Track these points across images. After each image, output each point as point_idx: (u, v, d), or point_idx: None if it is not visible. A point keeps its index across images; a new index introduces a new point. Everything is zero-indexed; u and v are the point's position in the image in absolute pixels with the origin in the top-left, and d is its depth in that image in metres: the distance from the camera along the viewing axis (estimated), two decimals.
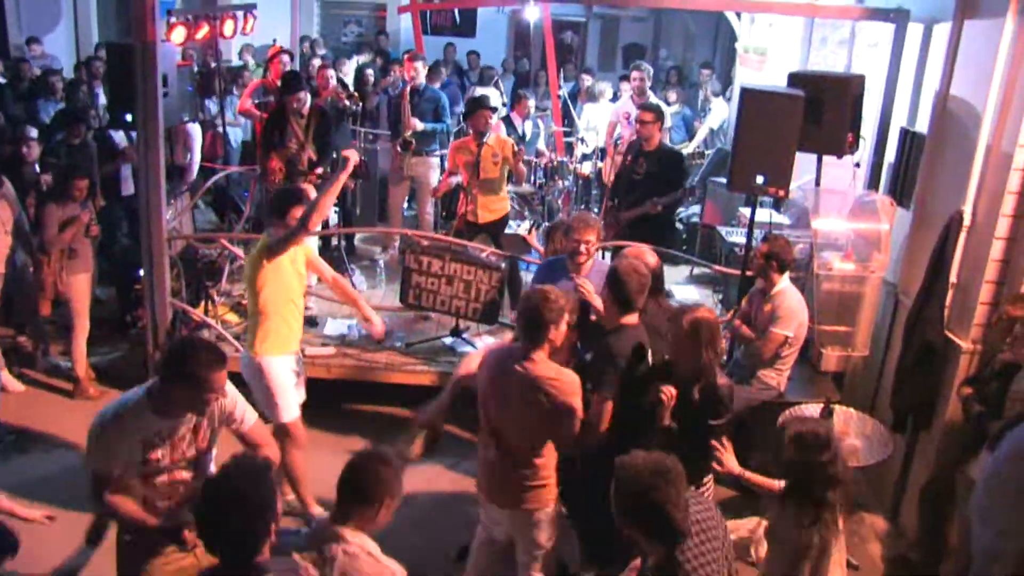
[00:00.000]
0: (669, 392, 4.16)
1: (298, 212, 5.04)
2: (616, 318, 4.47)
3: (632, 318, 4.47)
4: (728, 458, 4.25)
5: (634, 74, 9.56)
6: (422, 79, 9.08)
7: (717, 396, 4.21)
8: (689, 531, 3.06)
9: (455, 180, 8.06)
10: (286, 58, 9.43)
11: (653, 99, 9.61)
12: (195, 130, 9.38)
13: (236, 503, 2.78)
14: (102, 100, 10.28)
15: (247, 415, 3.88)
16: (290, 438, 5.38)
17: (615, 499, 3.08)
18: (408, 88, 8.92)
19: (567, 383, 4.05)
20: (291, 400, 5.38)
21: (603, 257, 7.54)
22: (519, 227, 7.97)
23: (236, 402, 3.82)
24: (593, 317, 4.99)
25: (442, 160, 9.40)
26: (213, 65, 10.07)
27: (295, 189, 5.81)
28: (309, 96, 7.85)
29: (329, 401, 6.53)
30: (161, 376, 3.59)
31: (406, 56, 9.52)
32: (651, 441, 3.79)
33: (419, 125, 8.85)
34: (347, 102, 9.19)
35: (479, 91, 10.46)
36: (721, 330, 4.58)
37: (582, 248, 5.34)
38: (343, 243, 8.97)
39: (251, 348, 5.28)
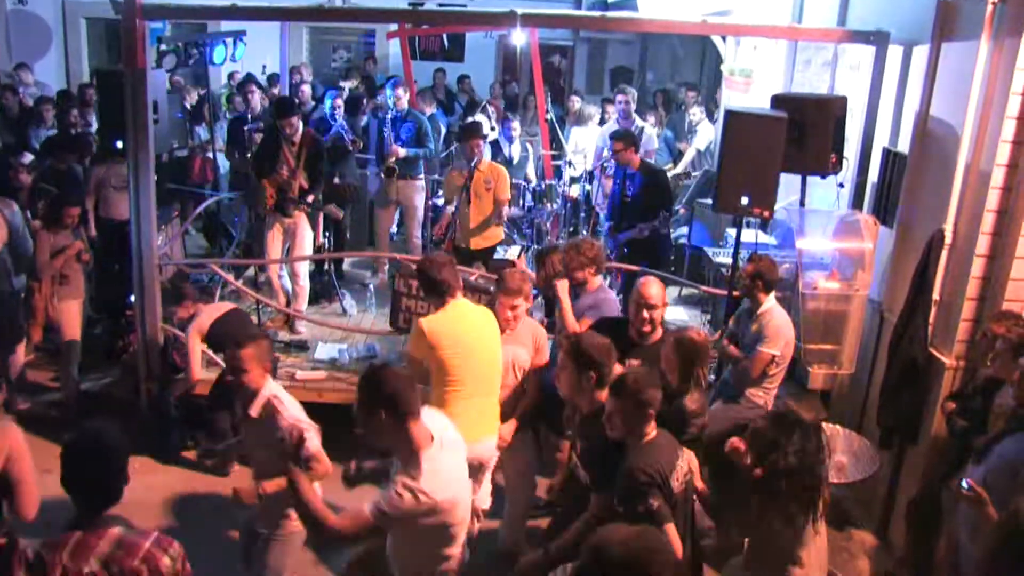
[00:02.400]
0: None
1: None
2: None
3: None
4: None
5: (619, 97, 9.68)
6: (404, 104, 9.16)
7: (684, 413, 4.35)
8: None
9: (451, 209, 8.13)
10: (252, 88, 9.51)
11: (639, 122, 9.72)
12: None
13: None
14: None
15: None
16: None
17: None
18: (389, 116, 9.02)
19: None
20: None
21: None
22: (507, 252, 8.01)
23: None
24: None
25: (428, 184, 9.49)
26: (204, 92, 10.15)
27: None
28: (300, 123, 7.91)
29: (320, 425, 6.53)
30: None
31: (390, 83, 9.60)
32: None
33: (402, 152, 8.92)
34: (350, 147, 9.26)
35: (469, 118, 10.56)
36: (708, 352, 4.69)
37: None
38: (332, 267, 9.02)
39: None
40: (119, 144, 7.17)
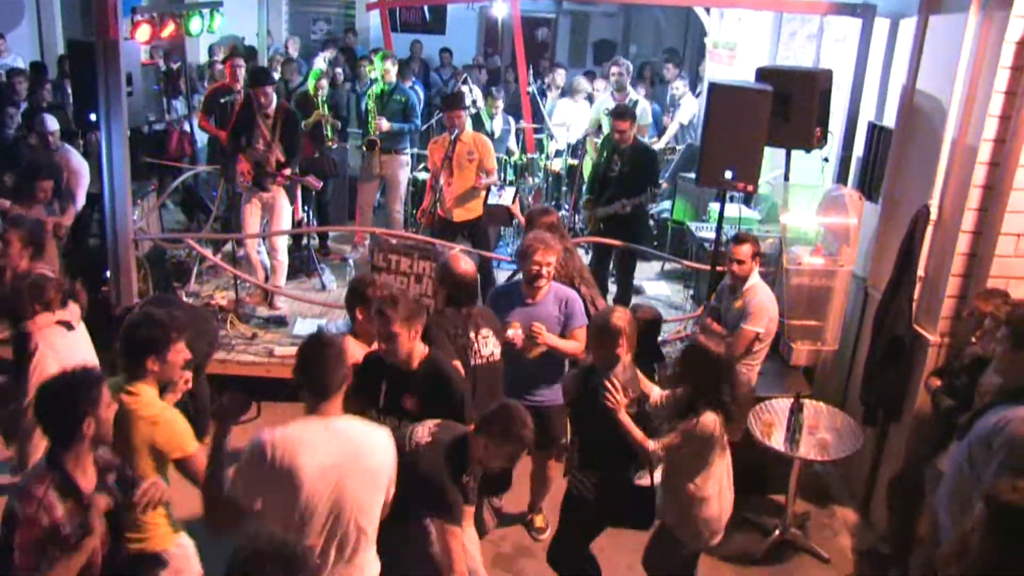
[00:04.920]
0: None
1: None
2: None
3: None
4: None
5: (613, 69, 9.61)
6: (392, 78, 9.02)
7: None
8: None
9: (433, 182, 8.00)
10: (240, 61, 9.31)
11: (633, 95, 9.62)
12: (82, 166, 7.70)
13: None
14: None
15: None
16: None
17: None
18: (375, 88, 8.86)
19: None
20: None
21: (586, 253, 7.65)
22: (501, 196, 7.84)
23: None
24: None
25: (412, 158, 9.37)
26: (177, 64, 9.97)
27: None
28: (275, 95, 7.77)
29: (298, 401, 6.47)
30: None
31: (371, 54, 9.45)
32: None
33: (385, 125, 8.77)
34: (328, 133, 9.10)
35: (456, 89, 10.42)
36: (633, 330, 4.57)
37: (544, 272, 5.06)
38: (314, 242, 8.91)
39: None
40: (92, 117, 7.03)
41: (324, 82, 9.61)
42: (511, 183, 9.23)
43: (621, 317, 4.46)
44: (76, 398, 3.13)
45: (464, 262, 4.89)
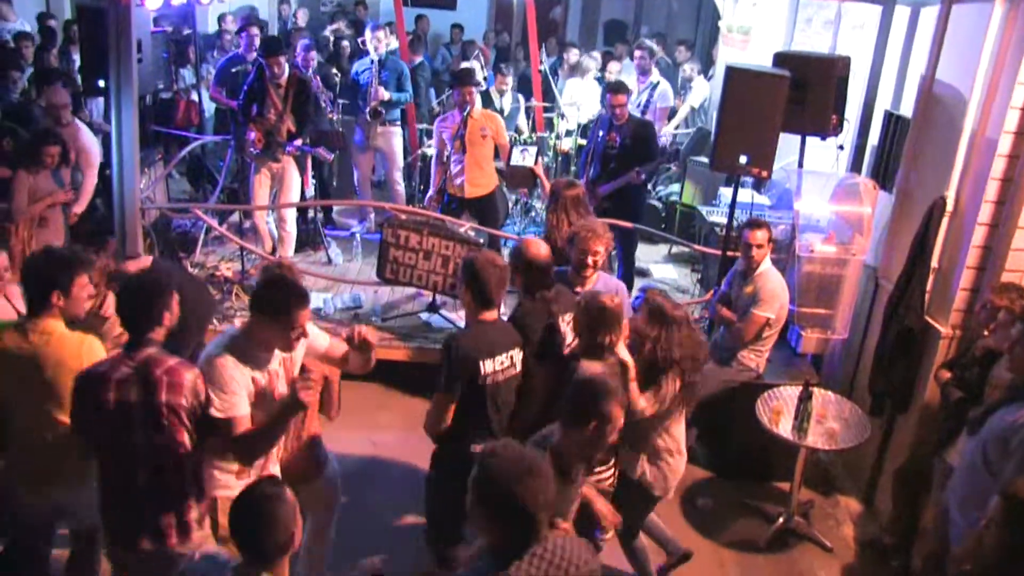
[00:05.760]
0: None
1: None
2: (474, 315, 4.19)
3: (491, 314, 4.18)
4: None
5: (637, 53, 9.66)
6: (384, 49, 8.96)
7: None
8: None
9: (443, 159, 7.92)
10: (255, 31, 9.21)
11: (654, 77, 9.59)
12: (93, 144, 7.32)
13: None
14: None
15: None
16: None
17: (474, 487, 2.79)
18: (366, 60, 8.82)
19: None
20: None
21: None
22: (525, 156, 7.71)
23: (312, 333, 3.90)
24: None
25: (417, 133, 9.32)
26: (187, 33, 9.90)
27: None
28: (287, 64, 7.70)
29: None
30: (252, 315, 3.70)
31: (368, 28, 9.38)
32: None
33: (385, 94, 8.72)
34: (326, 103, 9.03)
35: (463, 65, 10.32)
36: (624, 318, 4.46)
37: (589, 260, 4.93)
38: (319, 215, 8.86)
39: None
40: (101, 83, 6.95)
41: (313, 53, 9.52)
42: (532, 142, 9.15)
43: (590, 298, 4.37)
44: (154, 294, 3.55)
45: (537, 245, 4.67)
